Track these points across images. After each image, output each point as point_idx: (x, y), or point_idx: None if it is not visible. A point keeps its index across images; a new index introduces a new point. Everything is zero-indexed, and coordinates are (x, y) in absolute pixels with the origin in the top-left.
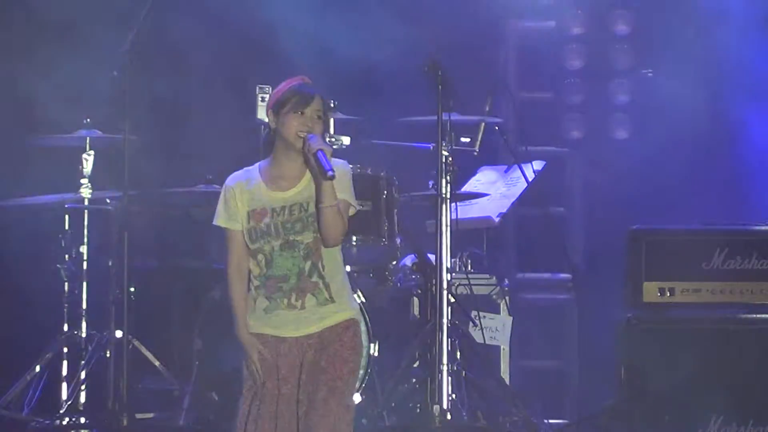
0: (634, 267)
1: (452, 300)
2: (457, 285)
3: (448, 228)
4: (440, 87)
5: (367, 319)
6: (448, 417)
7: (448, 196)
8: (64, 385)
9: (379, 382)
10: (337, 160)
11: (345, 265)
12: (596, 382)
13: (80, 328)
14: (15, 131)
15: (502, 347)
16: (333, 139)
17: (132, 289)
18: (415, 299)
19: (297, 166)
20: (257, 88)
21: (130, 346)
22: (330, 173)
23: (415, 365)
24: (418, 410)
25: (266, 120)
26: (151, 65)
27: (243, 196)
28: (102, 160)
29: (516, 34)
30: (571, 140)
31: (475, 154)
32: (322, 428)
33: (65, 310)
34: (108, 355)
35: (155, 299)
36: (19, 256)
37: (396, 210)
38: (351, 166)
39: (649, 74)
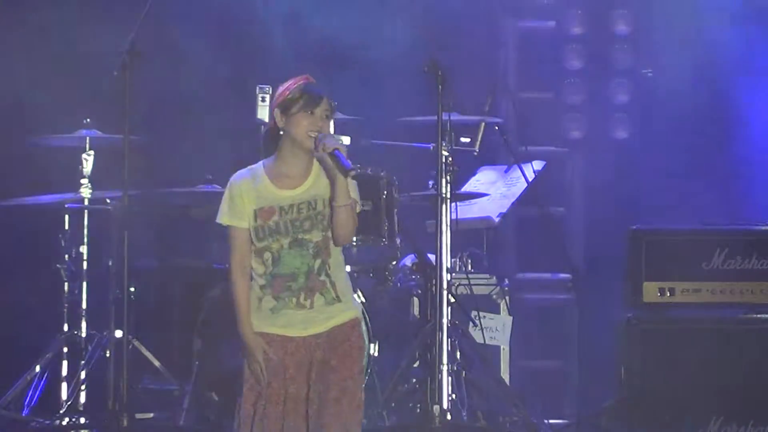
0: (634, 267)
1: (452, 300)
2: (457, 285)
3: (448, 228)
4: (440, 87)
5: (367, 319)
6: (448, 417)
7: (448, 196)
8: (64, 385)
9: (379, 382)
10: None
11: (345, 265)
12: (596, 382)
13: (80, 328)
14: (15, 131)
15: (502, 347)
16: None
17: (132, 289)
18: (415, 299)
19: (303, 165)
20: (257, 88)
21: (130, 346)
22: (352, 171)
23: (415, 365)
24: (418, 410)
25: (266, 120)
26: (151, 65)
27: (250, 194)
28: (102, 160)
29: (516, 34)
30: (571, 140)
31: (475, 154)
32: (334, 428)
33: (65, 310)
34: (108, 355)
35: (155, 299)
36: (19, 256)
37: (396, 210)
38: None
39: (649, 74)
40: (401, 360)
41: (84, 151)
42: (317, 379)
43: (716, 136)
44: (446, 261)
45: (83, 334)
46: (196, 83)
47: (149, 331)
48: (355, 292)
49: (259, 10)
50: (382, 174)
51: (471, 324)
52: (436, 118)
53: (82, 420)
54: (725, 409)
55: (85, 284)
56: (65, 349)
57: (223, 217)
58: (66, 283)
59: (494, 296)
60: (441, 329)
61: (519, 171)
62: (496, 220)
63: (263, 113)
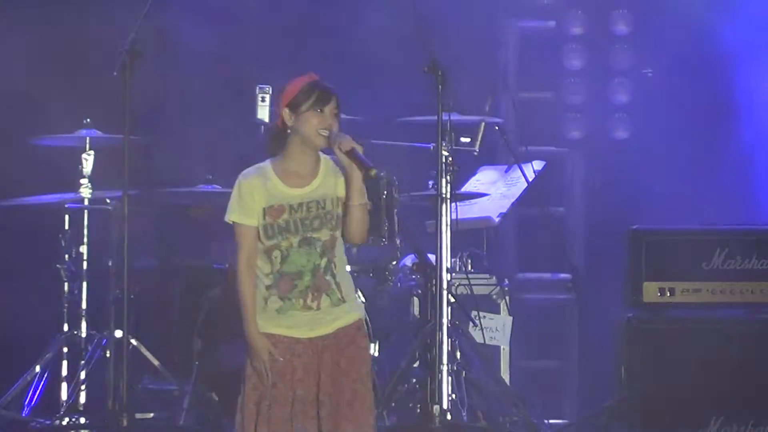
0: (634, 267)
1: (452, 300)
2: (457, 285)
3: (448, 228)
4: (440, 87)
5: (368, 319)
6: (448, 417)
7: (448, 196)
8: (64, 385)
9: (379, 382)
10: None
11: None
12: (596, 382)
13: (80, 328)
14: (15, 131)
15: (502, 347)
16: None
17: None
18: (415, 299)
19: (311, 163)
20: (257, 88)
21: (130, 346)
22: (373, 169)
23: (415, 365)
24: (418, 410)
25: (266, 120)
26: (151, 65)
27: (259, 192)
28: (102, 160)
29: (516, 34)
30: (571, 140)
31: (475, 154)
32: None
33: (65, 310)
34: (108, 355)
35: (155, 299)
36: (19, 256)
37: (396, 210)
38: None
39: (649, 74)
40: (401, 360)
41: (84, 151)
42: (328, 382)
43: (717, 135)
44: (446, 261)
45: (83, 334)
46: (196, 83)
47: (149, 331)
48: (356, 292)
49: (259, 10)
50: (382, 174)
51: (471, 324)
52: (436, 118)
53: (82, 420)
54: (725, 409)
55: (85, 284)
56: (65, 349)
57: (232, 215)
58: (66, 283)
59: (494, 296)
60: (441, 329)
61: (519, 171)
62: (496, 220)
63: (263, 113)
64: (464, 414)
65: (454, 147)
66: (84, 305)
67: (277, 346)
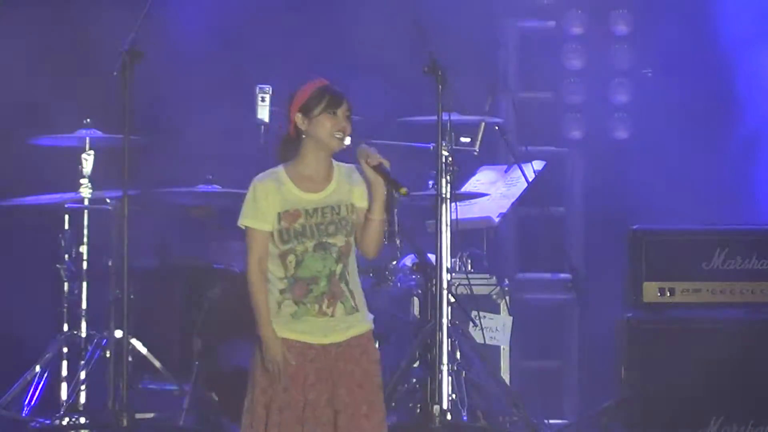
0: (634, 267)
1: (452, 300)
2: (457, 285)
3: (448, 228)
4: (440, 87)
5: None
6: (448, 417)
7: (448, 196)
8: (64, 385)
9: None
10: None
11: None
12: (596, 382)
13: (80, 328)
14: (15, 131)
15: (502, 347)
16: None
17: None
18: (415, 299)
19: (325, 168)
20: (257, 88)
21: (130, 346)
22: (404, 188)
23: (415, 365)
24: (418, 410)
25: (266, 120)
26: (151, 65)
27: (275, 196)
28: (102, 160)
29: (516, 34)
30: (571, 140)
31: (475, 154)
32: None
33: (65, 310)
34: (108, 355)
35: (155, 299)
36: (19, 256)
37: (396, 210)
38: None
39: (649, 74)
40: (401, 360)
41: (84, 151)
42: (344, 393)
43: (717, 135)
44: (446, 261)
45: (83, 334)
46: (196, 83)
47: (149, 331)
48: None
49: (258, 10)
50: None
51: (471, 324)
52: (436, 118)
53: (82, 420)
54: (725, 409)
55: (85, 284)
56: (65, 349)
57: (245, 219)
58: (66, 283)
59: (494, 296)
60: (441, 329)
61: (519, 171)
62: (496, 220)
63: (263, 113)
64: (464, 414)
65: (454, 147)
66: (84, 305)
67: (291, 351)
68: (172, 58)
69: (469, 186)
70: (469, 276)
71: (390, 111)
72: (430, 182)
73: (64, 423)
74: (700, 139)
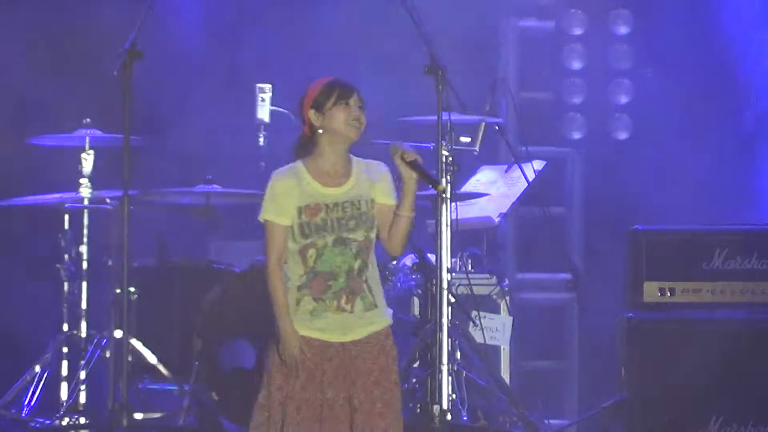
0: (635, 267)
1: (452, 300)
2: (457, 285)
3: (448, 228)
4: (440, 87)
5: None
6: (448, 417)
7: (448, 196)
8: (64, 385)
9: None
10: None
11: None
12: (596, 382)
13: (80, 328)
14: (15, 131)
15: (502, 347)
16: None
17: (132, 289)
18: (415, 299)
19: (343, 163)
20: (257, 88)
21: (130, 346)
22: (441, 185)
23: (415, 365)
24: (418, 410)
25: (266, 120)
26: (151, 65)
27: (293, 191)
28: (102, 160)
29: (516, 34)
30: (571, 140)
31: (475, 154)
32: None
33: (65, 310)
34: (108, 355)
35: (155, 299)
36: (19, 256)
37: None
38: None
39: (649, 74)
40: (401, 360)
41: (84, 150)
42: (361, 390)
43: (717, 135)
44: (446, 261)
45: (83, 334)
46: (196, 83)
47: (149, 331)
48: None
49: (258, 10)
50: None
51: (471, 324)
52: (436, 118)
53: (82, 420)
54: (725, 409)
55: (85, 284)
56: (65, 349)
57: (266, 214)
58: (66, 283)
59: (494, 296)
60: (441, 329)
61: (519, 171)
62: (496, 220)
63: (263, 113)
64: (464, 414)
65: (454, 147)
66: (84, 305)
67: (309, 349)
68: (172, 58)
69: (469, 186)
70: (469, 276)
71: (390, 111)
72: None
73: (64, 423)
74: (700, 139)
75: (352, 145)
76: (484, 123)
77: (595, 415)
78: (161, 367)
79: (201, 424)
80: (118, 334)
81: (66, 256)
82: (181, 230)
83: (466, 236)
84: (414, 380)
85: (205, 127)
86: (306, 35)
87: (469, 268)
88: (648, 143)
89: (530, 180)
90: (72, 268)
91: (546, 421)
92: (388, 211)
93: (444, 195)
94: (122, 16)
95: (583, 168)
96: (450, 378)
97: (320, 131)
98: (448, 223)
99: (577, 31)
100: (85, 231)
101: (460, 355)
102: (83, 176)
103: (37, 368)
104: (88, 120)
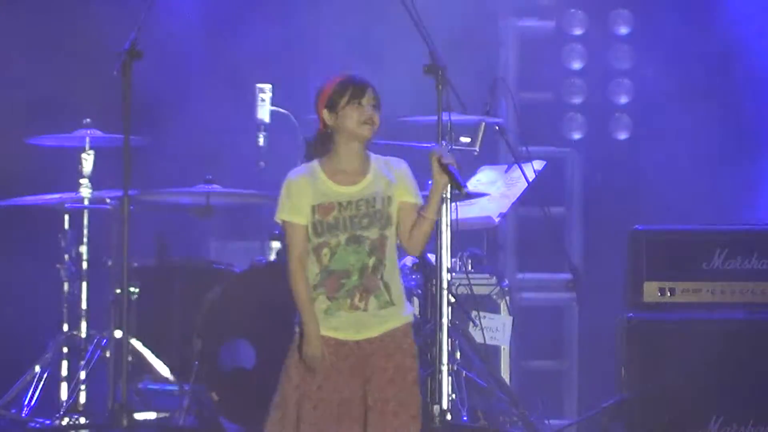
0: (635, 267)
1: (452, 300)
2: (457, 285)
3: (448, 228)
4: (440, 87)
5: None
6: (448, 417)
7: (448, 196)
8: (64, 385)
9: None
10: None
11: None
12: (596, 382)
13: (80, 328)
14: (15, 131)
15: (502, 347)
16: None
17: (132, 289)
18: (415, 299)
19: (359, 161)
20: (257, 88)
21: (130, 346)
22: (464, 188)
23: None
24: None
25: (266, 120)
26: (151, 65)
27: (307, 190)
28: (102, 160)
29: (516, 34)
30: (571, 140)
31: (475, 154)
32: None
33: (65, 310)
34: (108, 355)
35: (155, 299)
36: (19, 256)
37: None
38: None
39: (649, 74)
40: None
41: (84, 150)
42: (376, 389)
43: (717, 135)
44: (446, 261)
45: (83, 335)
46: (196, 83)
47: (149, 331)
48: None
49: (258, 9)
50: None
51: (471, 324)
52: (436, 118)
53: (82, 420)
54: (725, 409)
55: (85, 284)
56: (65, 349)
57: (281, 214)
58: (66, 283)
59: (494, 296)
60: (441, 329)
61: (519, 171)
62: (496, 220)
63: (263, 113)
64: (464, 414)
65: (454, 147)
66: (84, 305)
67: (326, 348)
68: (172, 58)
69: (469, 186)
70: (469, 276)
71: (390, 111)
72: (430, 182)
73: (64, 423)
74: (700, 139)
75: (368, 143)
76: (484, 123)
77: (595, 415)
78: (161, 367)
79: (201, 424)
80: (118, 334)
81: (66, 256)
82: (181, 230)
83: (466, 236)
84: None
85: (205, 127)
86: (306, 35)
87: (469, 268)
88: (648, 143)
89: (530, 180)
90: (72, 268)
91: (546, 421)
92: (411, 209)
93: (460, 198)
94: (122, 16)
95: (583, 168)
96: (450, 378)
97: (335, 130)
98: (448, 223)
99: (577, 31)
100: (85, 231)
101: (460, 355)
102: (83, 176)
103: (37, 368)
104: (88, 120)
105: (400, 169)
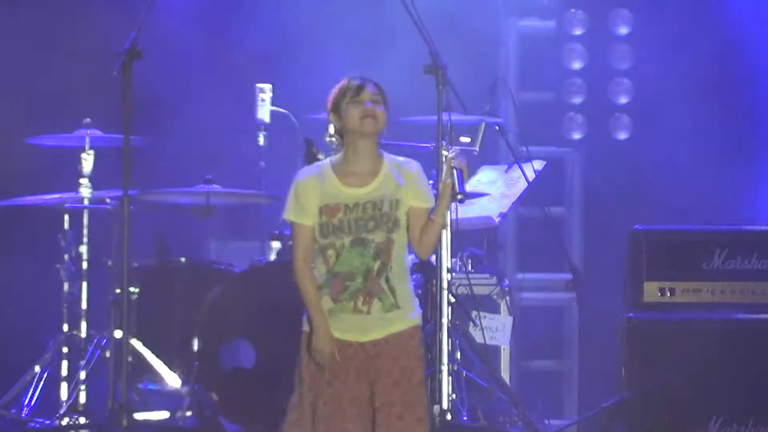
0: (635, 267)
1: (452, 300)
2: (457, 285)
3: (448, 228)
4: (440, 87)
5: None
6: (448, 417)
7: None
8: (64, 385)
9: None
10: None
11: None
12: (596, 382)
13: (80, 328)
14: (15, 131)
15: (502, 347)
16: (333, 139)
17: (132, 289)
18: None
19: (369, 163)
20: (257, 88)
21: (130, 346)
22: (460, 195)
23: None
24: None
25: (266, 120)
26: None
27: (315, 191)
28: (102, 160)
29: (516, 34)
30: (571, 140)
31: (475, 154)
32: None
33: (65, 310)
34: (108, 355)
35: (155, 299)
36: (19, 256)
37: None
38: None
39: (649, 74)
40: None
41: (84, 150)
42: (382, 391)
43: (717, 135)
44: (446, 261)
45: (83, 335)
46: (196, 83)
47: (149, 331)
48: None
49: (258, 10)
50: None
51: (471, 324)
52: (436, 118)
53: (82, 420)
54: (725, 409)
55: (85, 284)
56: (65, 349)
57: (288, 214)
58: (66, 283)
59: (494, 296)
60: (441, 329)
61: (519, 171)
62: (496, 220)
63: (263, 113)
64: (464, 414)
65: (454, 147)
66: (84, 305)
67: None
68: (172, 58)
69: (469, 186)
70: (469, 276)
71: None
72: (430, 181)
73: (64, 423)
74: (700, 139)
75: (375, 141)
76: (484, 123)
77: (595, 415)
78: (161, 367)
79: (201, 424)
80: (118, 334)
81: (66, 256)
82: (181, 230)
83: (466, 236)
84: None
85: (205, 127)
86: (306, 35)
87: (469, 268)
88: (648, 143)
89: (530, 180)
90: (72, 268)
91: (546, 421)
92: (420, 213)
93: (461, 202)
94: (122, 16)
95: (583, 168)
96: (450, 378)
97: (343, 132)
98: (448, 223)
99: (577, 31)
100: (85, 231)
101: (460, 355)
102: (83, 176)
103: (37, 368)
104: (88, 120)
105: (411, 171)
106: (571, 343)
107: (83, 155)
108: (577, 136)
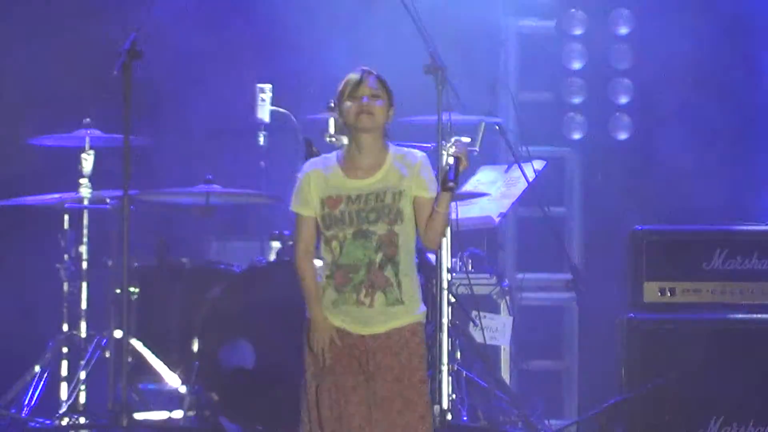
0: (635, 267)
1: (452, 300)
2: (458, 285)
3: (448, 228)
4: (440, 87)
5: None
6: (448, 417)
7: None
8: (64, 385)
9: None
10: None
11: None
12: (596, 382)
13: (80, 328)
14: (15, 131)
15: (502, 347)
16: (333, 139)
17: (132, 289)
18: None
19: (373, 155)
20: (257, 88)
21: (130, 346)
22: (449, 183)
23: None
24: None
25: (266, 120)
26: (152, 65)
27: (318, 182)
28: (102, 160)
29: (516, 34)
30: (571, 140)
31: (475, 154)
32: None
33: (65, 310)
34: (108, 355)
35: (155, 299)
36: (19, 256)
37: None
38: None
39: (649, 74)
40: None
41: (84, 150)
42: (383, 387)
43: (717, 135)
44: (446, 261)
45: (83, 335)
46: (196, 83)
47: (149, 331)
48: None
49: (258, 10)
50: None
51: (471, 324)
52: (436, 118)
53: (82, 420)
54: (725, 409)
55: (84, 284)
56: (65, 349)
57: (292, 205)
58: (66, 283)
59: (494, 296)
60: (441, 329)
61: (519, 171)
62: (496, 220)
63: (263, 113)
64: (464, 414)
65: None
66: (84, 305)
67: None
68: (172, 58)
69: (469, 186)
70: (469, 276)
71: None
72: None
73: (64, 423)
74: (701, 138)
75: (378, 134)
76: (484, 123)
77: (595, 415)
78: (161, 367)
79: (201, 424)
80: (118, 334)
81: (66, 256)
82: (181, 230)
83: (466, 236)
84: None
85: (205, 127)
86: (306, 35)
87: (469, 268)
88: (648, 143)
89: (530, 180)
90: (72, 268)
91: (546, 421)
92: (425, 203)
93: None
94: (122, 16)
95: (583, 168)
96: (450, 378)
97: (346, 127)
98: (449, 223)
99: (577, 31)
100: (85, 231)
101: (460, 355)
102: (83, 176)
103: (37, 368)
104: (88, 120)
105: (416, 162)
106: (571, 343)
107: (83, 155)
108: (577, 136)
